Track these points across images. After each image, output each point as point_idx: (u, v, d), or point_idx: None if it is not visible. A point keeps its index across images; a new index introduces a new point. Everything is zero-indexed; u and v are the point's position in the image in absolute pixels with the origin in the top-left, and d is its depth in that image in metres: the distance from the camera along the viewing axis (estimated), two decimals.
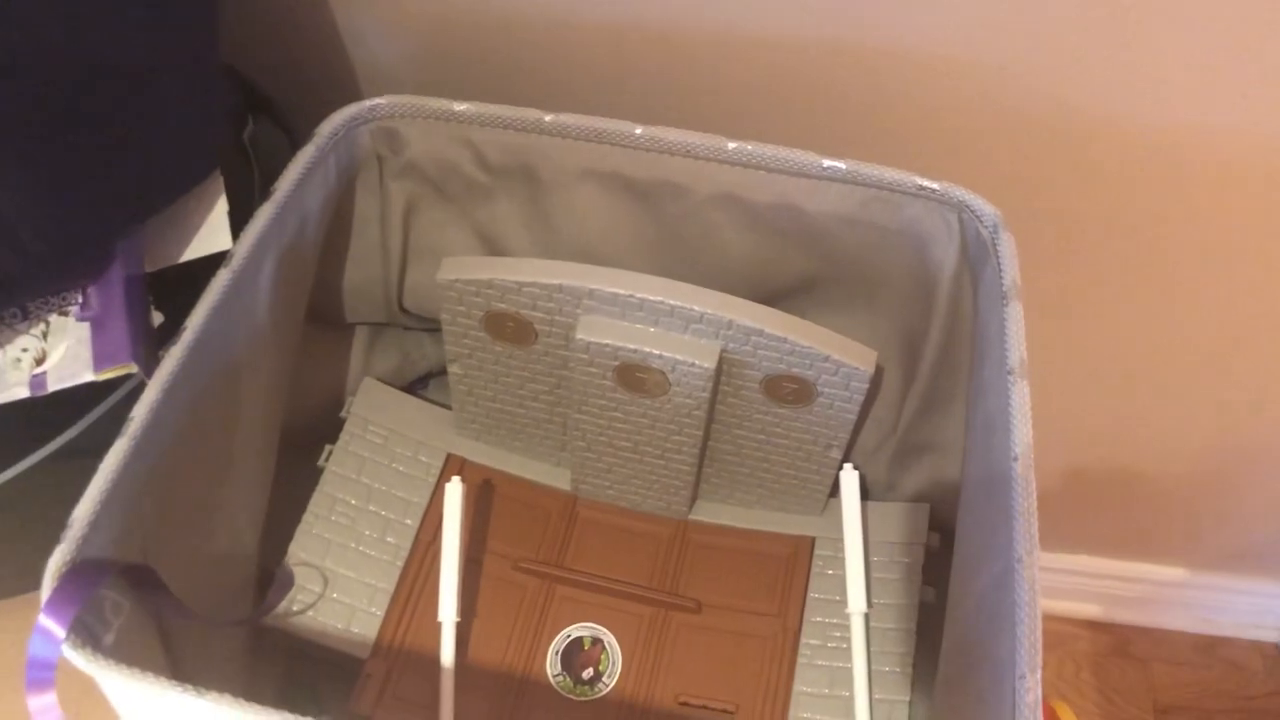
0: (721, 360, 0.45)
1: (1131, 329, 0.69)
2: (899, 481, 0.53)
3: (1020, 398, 0.40)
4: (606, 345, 0.45)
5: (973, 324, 0.46)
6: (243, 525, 0.45)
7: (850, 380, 0.45)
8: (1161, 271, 0.64)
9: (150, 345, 0.41)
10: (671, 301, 0.43)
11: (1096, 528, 0.91)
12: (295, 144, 0.47)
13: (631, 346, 0.44)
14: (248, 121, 0.53)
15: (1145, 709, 0.98)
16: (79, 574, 0.34)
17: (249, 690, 0.46)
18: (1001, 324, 0.42)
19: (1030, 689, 0.32)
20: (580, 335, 0.45)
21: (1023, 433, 0.39)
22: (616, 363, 0.45)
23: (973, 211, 0.45)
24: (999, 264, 0.43)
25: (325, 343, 0.54)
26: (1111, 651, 1.01)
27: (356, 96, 0.52)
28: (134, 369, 0.38)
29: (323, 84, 0.61)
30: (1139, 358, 0.71)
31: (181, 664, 0.41)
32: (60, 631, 0.32)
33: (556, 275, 0.44)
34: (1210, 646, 1.02)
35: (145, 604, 0.39)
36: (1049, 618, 1.01)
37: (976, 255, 0.46)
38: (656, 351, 0.44)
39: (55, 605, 0.32)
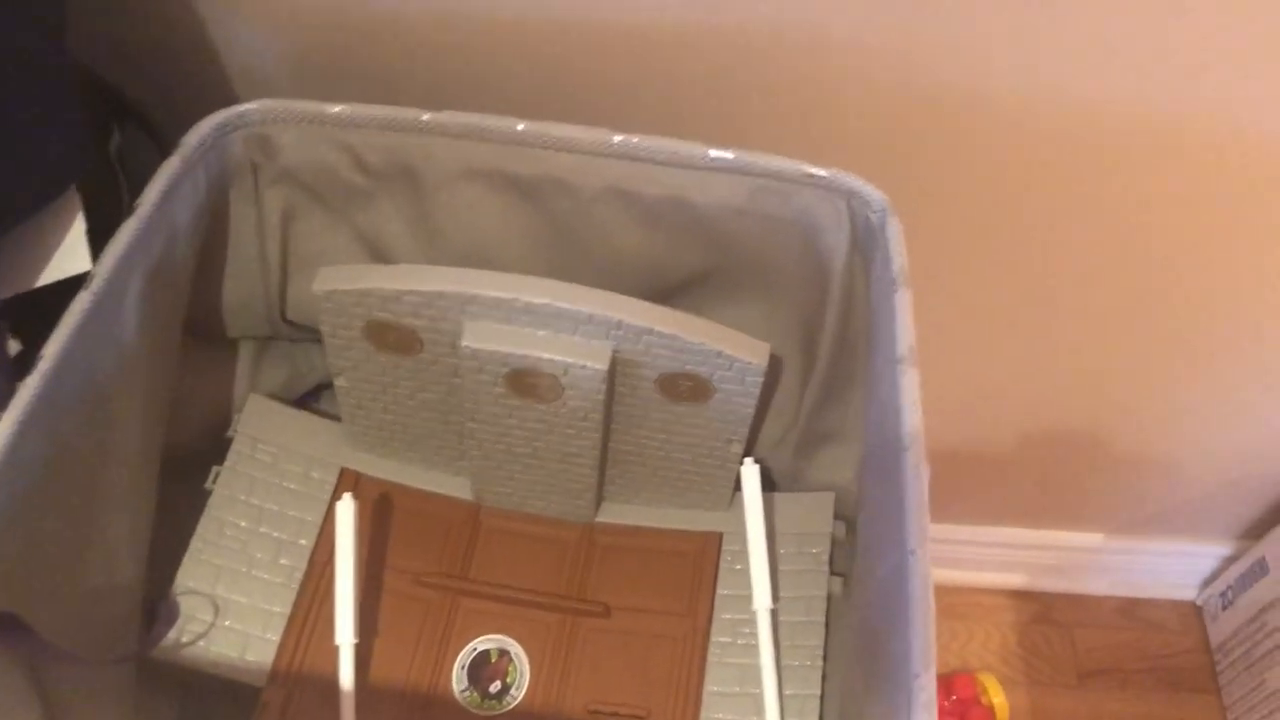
0: (614, 361, 0.44)
1: (1022, 297, 0.69)
2: (804, 472, 0.52)
3: (909, 385, 0.39)
4: (494, 352, 0.43)
5: (866, 311, 0.46)
6: (122, 557, 0.43)
7: (745, 375, 0.44)
8: (1042, 235, 0.64)
9: (5, 376, 0.39)
10: (558, 304, 0.42)
11: (1014, 498, 0.92)
12: (167, 155, 0.45)
13: (520, 352, 0.43)
14: (114, 132, 0.50)
15: (1069, 673, 0.99)
16: None
17: None
18: (891, 311, 0.41)
19: (924, 687, 0.32)
20: (466, 343, 0.43)
21: (912, 421, 0.38)
22: (506, 369, 0.44)
23: (861, 198, 0.44)
24: (887, 250, 0.43)
25: (208, 359, 0.52)
26: (1035, 619, 1.02)
27: (234, 102, 0.50)
28: None
29: (196, 90, 0.59)
30: (1031, 325, 0.71)
31: (62, 706, 0.39)
32: None
33: (436, 282, 0.42)
34: (1130, 608, 1.04)
35: (11, 650, 0.37)
36: (976, 590, 1.02)
37: (866, 242, 0.45)
38: (547, 356, 0.43)
39: None
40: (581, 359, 0.43)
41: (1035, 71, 0.54)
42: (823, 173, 0.45)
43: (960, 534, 0.95)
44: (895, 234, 0.44)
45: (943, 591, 1.00)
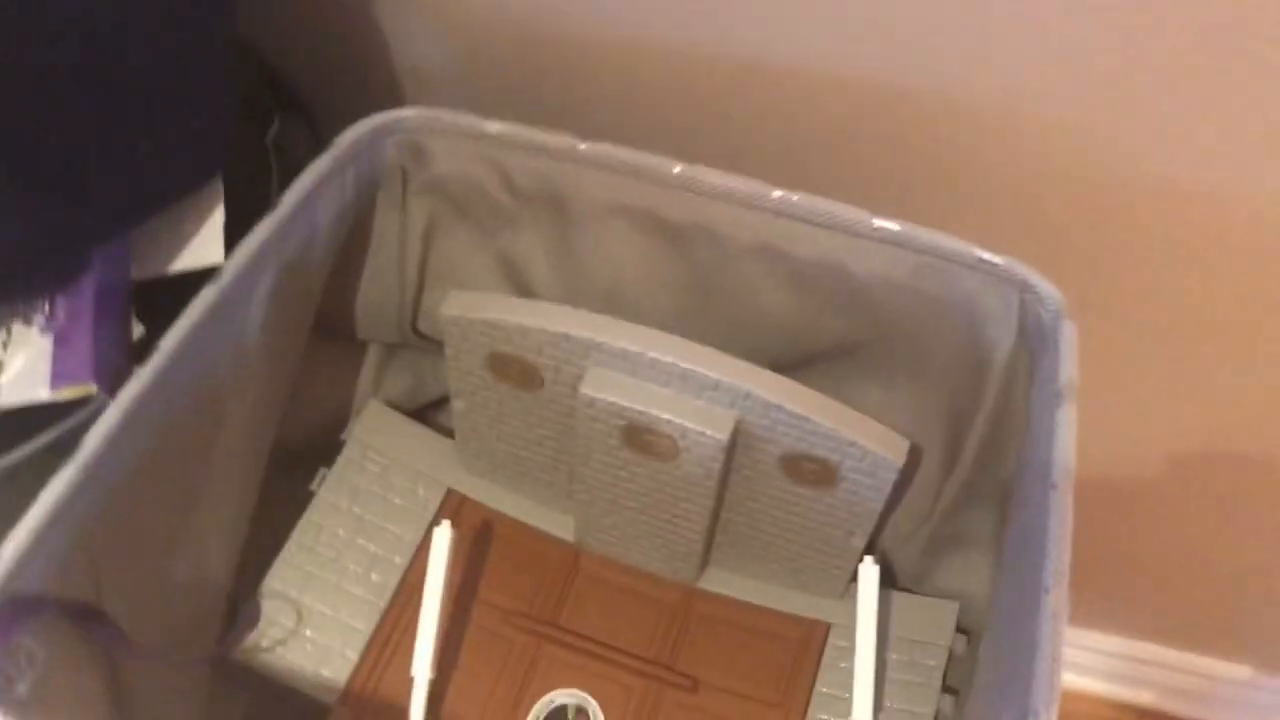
0: (737, 431, 0.41)
1: (1202, 417, 0.63)
2: (930, 573, 0.48)
3: (1060, 515, 0.35)
4: (613, 404, 0.41)
5: (1024, 416, 0.42)
6: (213, 556, 0.43)
7: (877, 469, 0.41)
8: (1237, 345, 0.58)
9: (124, 363, 0.38)
10: (685, 365, 0.40)
11: (1154, 612, 0.85)
12: (321, 150, 0.45)
13: (639, 408, 0.41)
14: (274, 121, 0.50)
15: None
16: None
17: None
18: (1051, 427, 0.37)
19: None
20: (585, 390, 0.41)
21: (1058, 559, 0.34)
22: (623, 422, 0.42)
23: (1035, 293, 0.40)
24: (1057, 356, 0.39)
25: (333, 358, 0.51)
26: None
27: (398, 102, 0.49)
28: (93, 390, 0.36)
29: (360, 84, 0.58)
30: (1200, 433, 0.65)
31: (132, 701, 0.39)
32: None
33: (563, 324, 0.40)
34: None
35: (89, 641, 0.36)
36: (1097, 700, 0.95)
37: (1035, 341, 0.41)
38: (666, 416, 0.40)
39: None
40: (702, 425, 0.40)
41: (1225, 160, 0.48)
42: (995, 259, 0.41)
43: (1089, 639, 0.89)
44: (1068, 339, 0.39)
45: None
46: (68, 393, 0.36)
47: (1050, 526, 0.35)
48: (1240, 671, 0.88)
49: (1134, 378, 0.62)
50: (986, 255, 0.41)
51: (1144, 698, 0.94)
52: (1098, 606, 0.85)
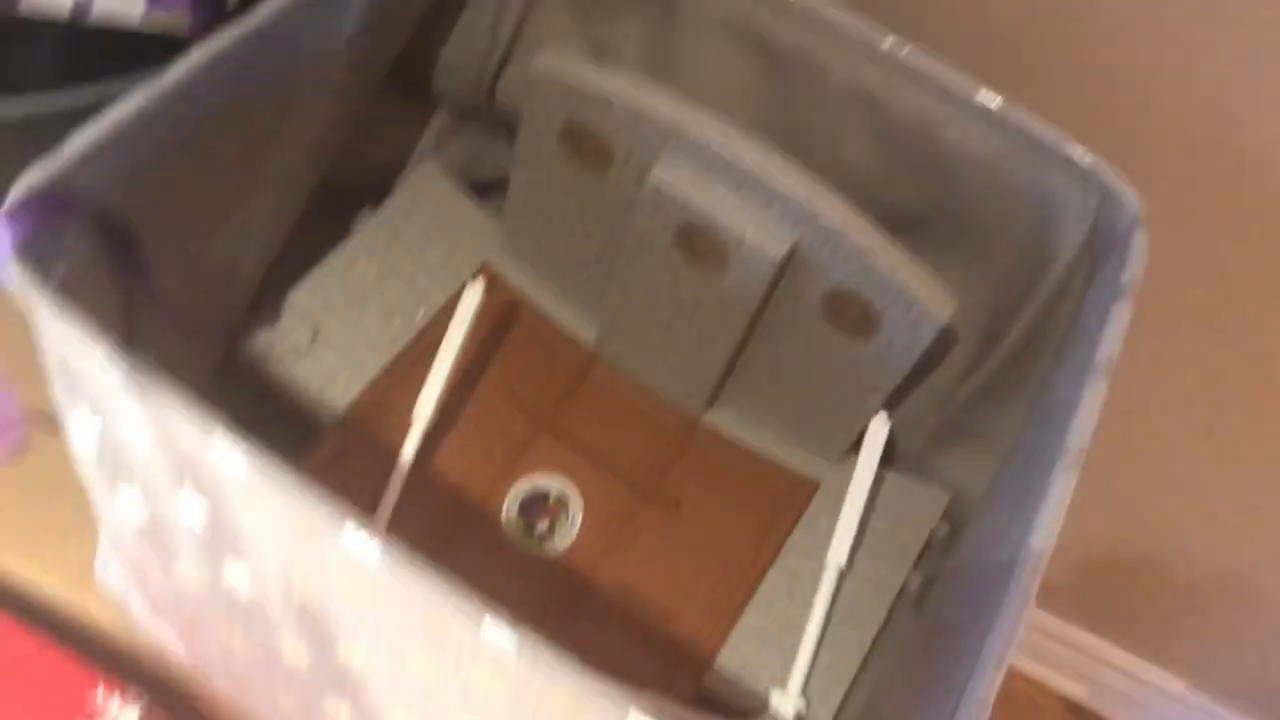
0: (792, 254, 0.41)
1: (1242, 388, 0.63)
2: (930, 460, 0.48)
3: (1093, 396, 0.35)
4: (677, 197, 0.41)
5: (1073, 319, 0.41)
6: (247, 248, 0.43)
7: (919, 324, 0.41)
8: None
9: (218, 17, 0.38)
10: (761, 171, 0.39)
11: (1112, 605, 0.85)
12: None
13: (702, 207, 0.40)
14: None
15: None
16: (49, 198, 0.31)
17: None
18: (1103, 319, 0.37)
19: (989, 680, 0.28)
20: (654, 177, 0.41)
21: (1081, 432, 0.34)
22: (682, 220, 0.41)
23: (1115, 199, 0.40)
24: (1124, 260, 0.39)
25: (401, 109, 0.51)
26: None
27: None
28: (186, 24, 0.36)
29: None
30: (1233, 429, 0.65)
31: (133, 355, 0.39)
32: (6, 245, 0.30)
33: (651, 103, 0.40)
34: None
35: (116, 276, 0.36)
36: (1027, 680, 0.96)
37: (1103, 247, 0.41)
38: (726, 221, 0.40)
39: (10, 218, 0.30)
40: (761, 238, 0.40)
41: None
42: (1084, 159, 0.40)
43: (1050, 624, 0.90)
44: (1140, 247, 0.39)
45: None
46: (160, 22, 0.36)
47: (1083, 404, 0.35)
48: (1174, 685, 0.89)
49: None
50: (1077, 152, 0.41)
51: (1075, 690, 0.96)
52: (1053, 585, 0.86)
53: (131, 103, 0.33)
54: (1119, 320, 0.37)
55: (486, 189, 0.55)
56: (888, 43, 0.42)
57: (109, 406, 0.31)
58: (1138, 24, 0.49)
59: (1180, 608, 0.81)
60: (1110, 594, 0.84)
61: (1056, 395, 0.38)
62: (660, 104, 0.40)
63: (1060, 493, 0.33)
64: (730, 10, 0.44)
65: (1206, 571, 0.77)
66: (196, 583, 0.35)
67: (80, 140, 0.32)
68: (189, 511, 0.32)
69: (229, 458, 0.28)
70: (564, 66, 0.42)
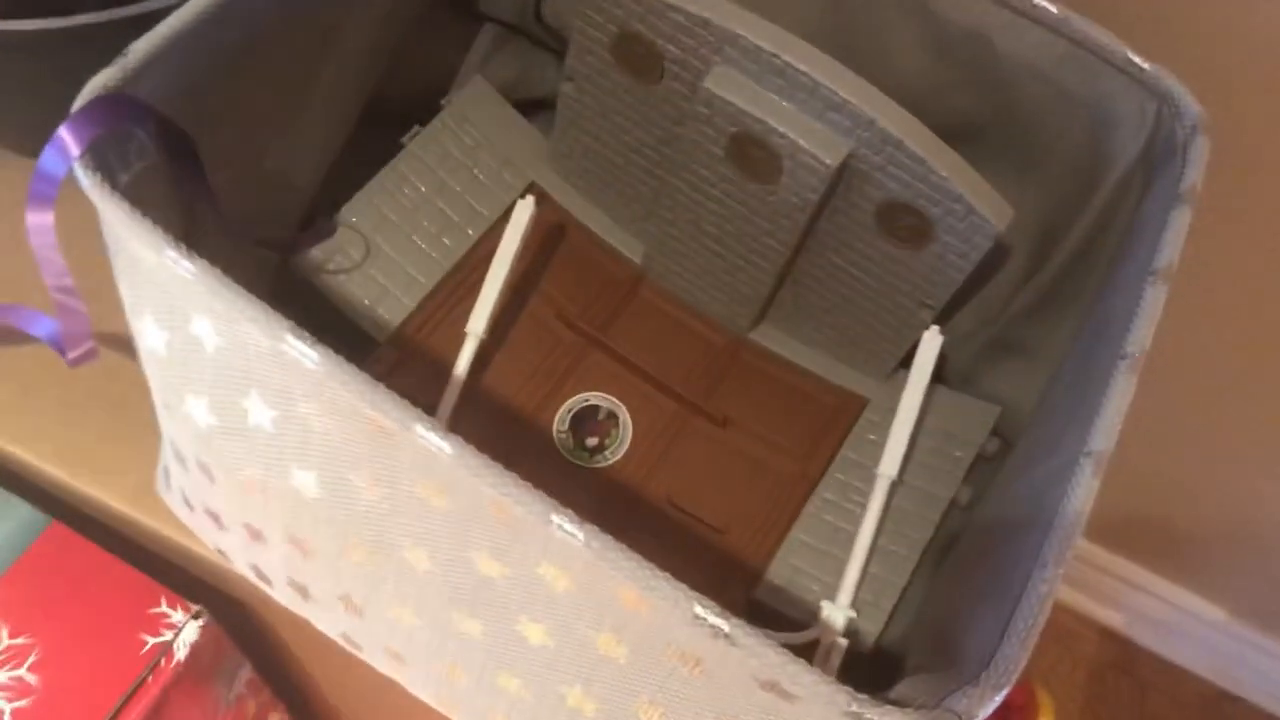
0: (846, 163, 0.40)
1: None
2: (979, 376, 0.48)
3: (1153, 301, 0.35)
4: (730, 104, 0.40)
5: (1127, 229, 0.41)
6: (301, 160, 0.43)
7: (975, 233, 0.40)
8: None
9: None
10: (817, 76, 0.39)
11: (1149, 533, 0.85)
12: None
13: (757, 114, 0.40)
14: None
15: None
16: (114, 103, 0.31)
17: None
18: (1162, 226, 0.37)
19: (1048, 580, 0.29)
20: (708, 84, 0.41)
21: (1141, 335, 0.34)
22: (735, 129, 0.41)
23: (1175, 105, 0.39)
24: (1183, 166, 0.38)
25: (448, 26, 0.50)
26: (1115, 665, 0.97)
27: None
28: None
29: None
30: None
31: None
32: (75, 148, 0.30)
33: (705, 7, 0.40)
34: (1218, 700, 0.97)
35: (178, 183, 0.36)
36: (1065, 609, 0.97)
37: (1162, 155, 0.40)
38: (781, 129, 0.40)
39: (79, 122, 0.30)
40: (815, 146, 0.40)
41: None
42: (1143, 64, 0.40)
43: (1085, 551, 0.90)
44: (1199, 154, 0.39)
45: None
46: None
47: (1143, 307, 0.34)
48: (1212, 612, 0.89)
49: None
50: (1136, 58, 0.40)
51: (1111, 618, 0.96)
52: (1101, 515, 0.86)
53: (189, 11, 0.33)
54: (1179, 225, 0.37)
55: (534, 107, 0.54)
56: None
57: (177, 311, 0.32)
58: None
59: (1217, 536, 0.81)
60: (1147, 522, 0.84)
61: (1112, 303, 0.38)
62: (715, 10, 0.40)
63: (1120, 395, 0.33)
64: None
65: (1242, 499, 0.77)
66: (262, 490, 0.35)
67: (142, 46, 0.32)
68: (257, 418, 0.32)
69: (300, 356, 0.28)
70: None
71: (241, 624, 0.48)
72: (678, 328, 0.50)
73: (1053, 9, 0.40)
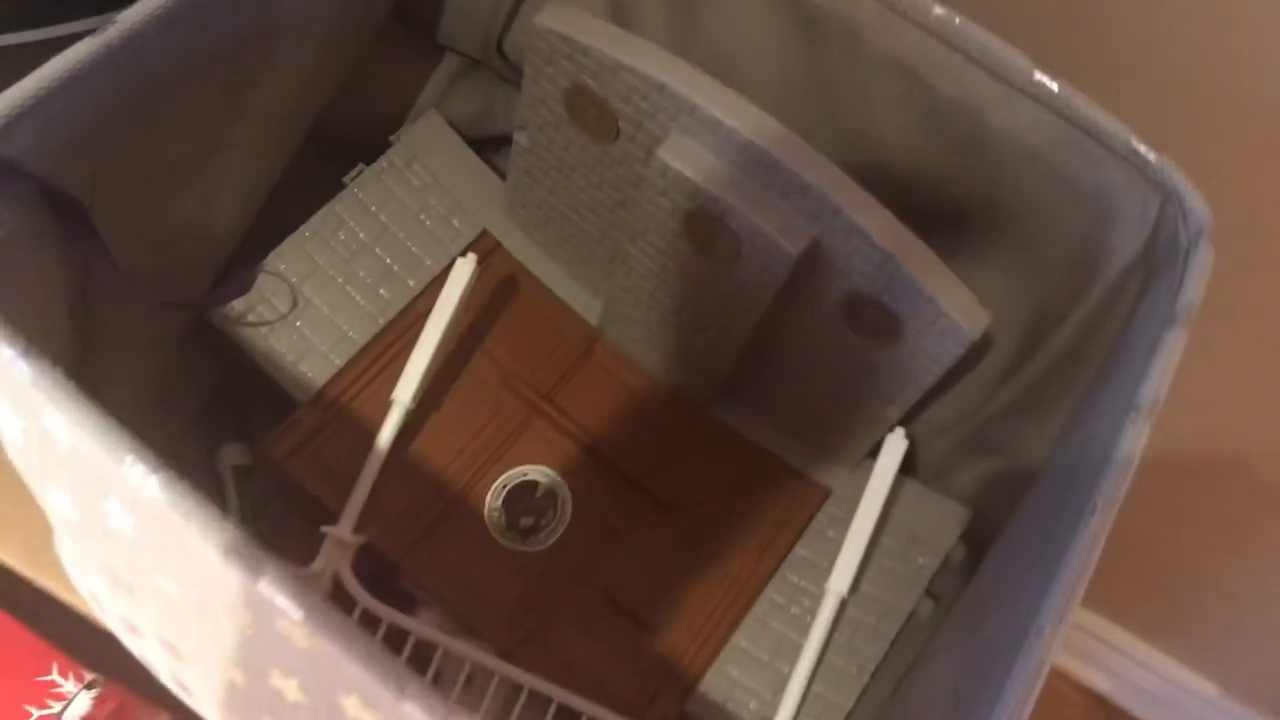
0: (809, 251, 0.37)
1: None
2: (952, 473, 0.45)
3: (1131, 442, 0.31)
4: (686, 179, 0.37)
5: (1117, 340, 0.37)
6: (224, 208, 0.39)
7: (947, 337, 0.36)
8: None
9: None
10: (780, 156, 0.35)
11: (1141, 601, 0.81)
12: None
13: (713, 192, 0.36)
14: None
15: None
16: None
17: (164, 386, 0.41)
18: (1153, 348, 0.33)
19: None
20: (661, 155, 0.37)
21: (1115, 484, 0.30)
22: (691, 204, 0.37)
23: (1181, 203, 0.35)
24: (1183, 278, 0.34)
25: (405, 55, 0.47)
26: None
27: None
28: None
29: None
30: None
31: (96, 330, 0.36)
32: None
33: (663, 70, 0.36)
34: None
35: (67, 243, 0.33)
36: (1053, 672, 0.93)
37: (1162, 257, 0.36)
38: (740, 209, 0.36)
39: None
40: (776, 231, 0.36)
41: None
42: (1149, 154, 0.36)
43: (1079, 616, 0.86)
44: (1202, 263, 0.34)
45: None
46: None
47: (1120, 449, 0.31)
48: (1204, 687, 0.85)
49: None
50: (1141, 146, 0.36)
51: (1102, 684, 0.92)
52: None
53: (72, 56, 0.30)
54: (1169, 353, 0.33)
55: (497, 144, 0.51)
56: (939, 11, 0.37)
57: (29, 401, 0.28)
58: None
59: (1212, 610, 0.77)
60: (1142, 592, 0.80)
61: (1092, 429, 0.34)
62: (672, 74, 0.36)
63: (1085, 549, 0.29)
64: None
65: (1238, 575, 0.73)
66: (129, 590, 0.32)
67: (10, 98, 0.28)
68: (117, 521, 0.29)
69: (140, 482, 0.25)
70: (572, 23, 0.38)
71: (142, 691, 0.45)
72: (632, 397, 0.46)
73: (1053, 86, 0.36)
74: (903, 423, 0.42)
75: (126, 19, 0.31)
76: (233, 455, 0.44)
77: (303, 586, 0.23)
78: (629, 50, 0.36)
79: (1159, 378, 0.32)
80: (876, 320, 0.38)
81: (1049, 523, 0.33)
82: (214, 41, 0.34)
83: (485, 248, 0.46)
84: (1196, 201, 0.35)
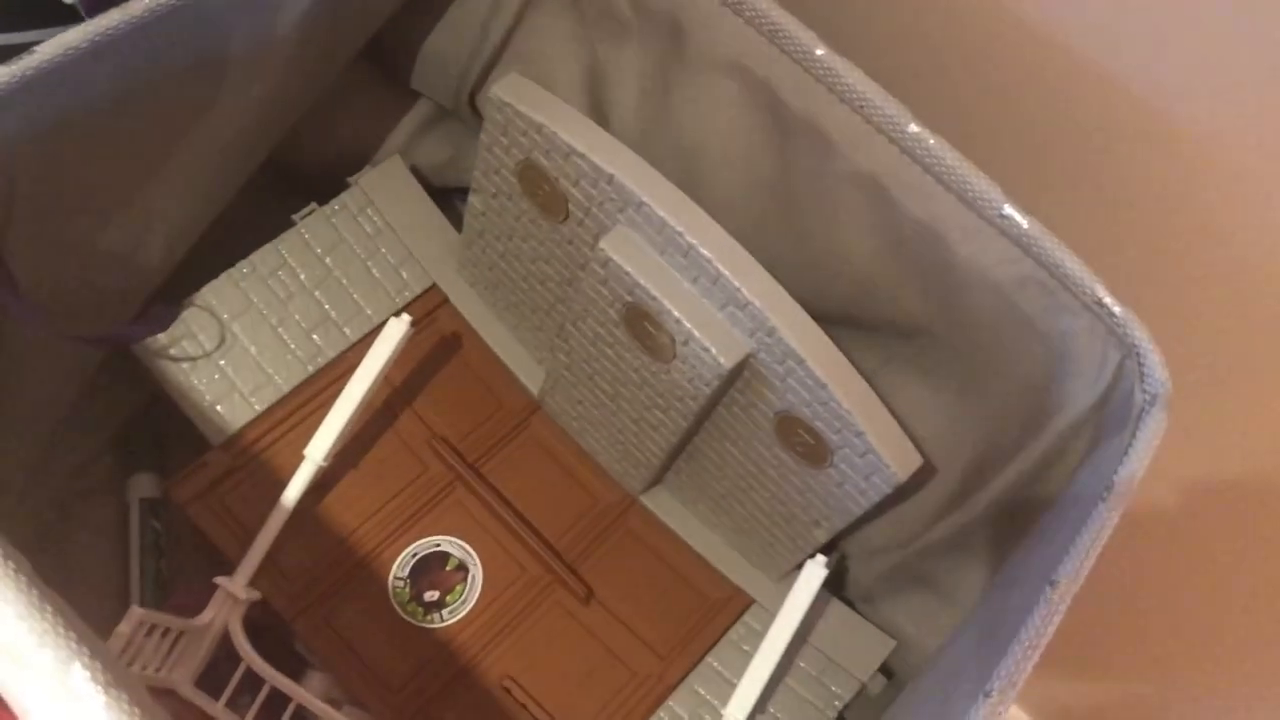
0: (744, 365, 0.35)
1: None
2: (878, 600, 0.43)
3: (1040, 623, 0.29)
4: (626, 274, 0.35)
5: (1059, 491, 0.35)
6: (154, 242, 0.38)
7: (874, 473, 0.35)
8: None
9: None
10: (722, 268, 0.33)
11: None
12: None
13: (653, 292, 0.35)
14: None
15: None
16: None
17: (77, 410, 0.40)
18: (1081, 521, 0.31)
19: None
20: (603, 246, 0.35)
21: (1014, 666, 0.28)
22: (629, 299, 0.36)
23: (1141, 364, 0.33)
24: (1128, 448, 0.32)
25: (375, 96, 0.45)
26: None
27: None
28: None
29: None
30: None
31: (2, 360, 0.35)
32: None
33: (614, 163, 0.34)
34: None
35: None
36: None
37: (1114, 417, 0.34)
38: (676, 314, 0.35)
39: None
40: (710, 342, 0.34)
41: None
42: (1115, 307, 0.34)
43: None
44: (1151, 435, 0.33)
45: None
46: None
47: (1026, 629, 0.29)
48: None
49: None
50: (1108, 298, 0.34)
51: None
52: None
53: None
54: (1095, 530, 0.31)
55: (465, 194, 0.49)
56: (914, 128, 0.35)
57: None
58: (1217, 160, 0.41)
59: None
60: None
61: (1008, 597, 0.32)
62: (622, 167, 0.34)
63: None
64: (743, 55, 0.37)
65: None
66: None
67: None
68: None
69: None
70: (528, 98, 0.36)
71: None
72: (564, 475, 0.44)
73: (1023, 221, 0.35)
74: (835, 541, 0.41)
75: (45, 49, 0.29)
76: (142, 486, 0.43)
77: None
78: (582, 136, 0.35)
79: (1077, 558, 0.30)
80: (808, 442, 0.36)
81: (950, 688, 0.32)
82: (148, 75, 0.33)
83: (432, 302, 0.45)
84: (1155, 365, 0.33)
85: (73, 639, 0.23)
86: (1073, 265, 0.34)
